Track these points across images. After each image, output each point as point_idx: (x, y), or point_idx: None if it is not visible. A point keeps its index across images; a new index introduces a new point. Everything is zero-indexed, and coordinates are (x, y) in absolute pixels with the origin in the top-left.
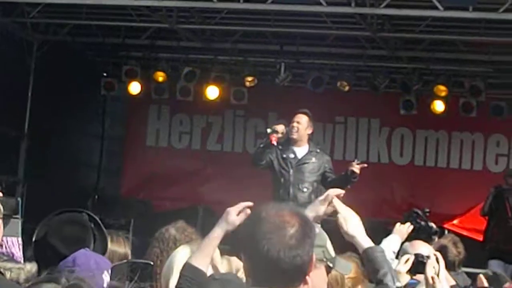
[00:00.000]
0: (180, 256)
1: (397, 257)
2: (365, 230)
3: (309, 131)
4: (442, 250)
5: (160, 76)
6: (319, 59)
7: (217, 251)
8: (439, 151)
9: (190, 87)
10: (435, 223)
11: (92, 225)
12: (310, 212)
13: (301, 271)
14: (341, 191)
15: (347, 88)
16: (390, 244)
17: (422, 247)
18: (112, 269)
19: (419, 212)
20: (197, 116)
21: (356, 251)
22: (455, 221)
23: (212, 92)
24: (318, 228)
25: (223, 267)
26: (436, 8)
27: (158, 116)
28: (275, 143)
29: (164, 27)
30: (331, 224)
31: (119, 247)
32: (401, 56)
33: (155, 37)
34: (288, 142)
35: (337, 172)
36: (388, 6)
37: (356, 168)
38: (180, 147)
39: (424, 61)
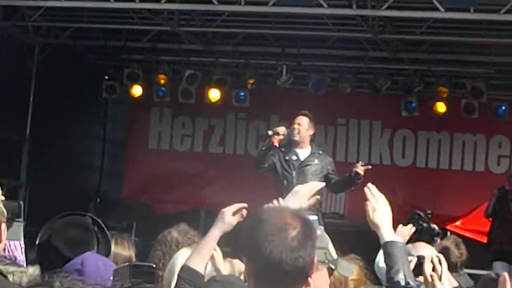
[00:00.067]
0: (182, 258)
1: None
2: (368, 231)
3: (311, 132)
4: (444, 251)
5: (162, 79)
6: (320, 61)
7: (220, 254)
8: (441, 152)
9: (192, 89)
10: (437, 224)
11: (96, 228)
12: (293, 204)
13: (303, 273)
14: (321, 184)
15: (348, 90)
16: None
17: (424, 249)
18: (114, 271)
19: (421, 213)
20: (199, 119)
21: (358, 254)
22: (457, 223)
23: (213, 94)
24: (320, 230)
25: (225, 270)
26: (437, 9)
27: (160, 119)
28: (277, 144)
29: (166, 30)
30: (332, 226)
31: (123, 249)
32: (402, 57)
33: (157, 40)
34: (290, 144)
35: (339, 174)
36: (389, 8)
37: (360, 169)
38: (182, 149)
39: (426, 63)
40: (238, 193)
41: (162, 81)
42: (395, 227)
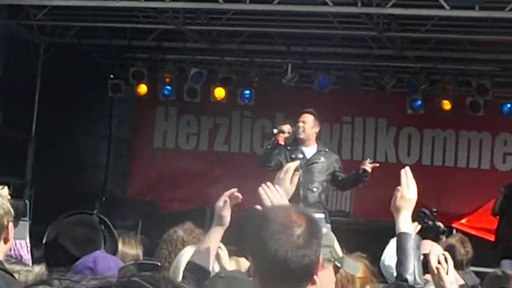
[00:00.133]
0: (186, 256)
1: None
2: (373, 229)
3: (316, 129)
4: (450, 249)
5: (167, 78)
6: (325, 59)
7: (225, 252)
8: (447, 150)
9: (197, 88)
10: (443, 222)
11: (102, 227)
12: (282, 193)
13: (309, 271)
14: (295, 163)
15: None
16: None
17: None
18: (119, 270)
19: (427, 211)
20: (205, 117)
21: (363, 251)
22: (463, 220)
23: (219, 93)
24: (325, 228)
25: (231, 268)
26: (442, 7)
27: (165, 117)
28: (282, 143)
29: (171, 28)
30: (338, 224)
31: (131, 248)
32: (407, 55)
33: (162, 38)
34: (296, 142)
35: (345, 172)
36: (394, 5)
37: (368, 166)
38: (187, 148)
39: (431, 61)
40: (244, 192)
41: (167, 80)
42: None
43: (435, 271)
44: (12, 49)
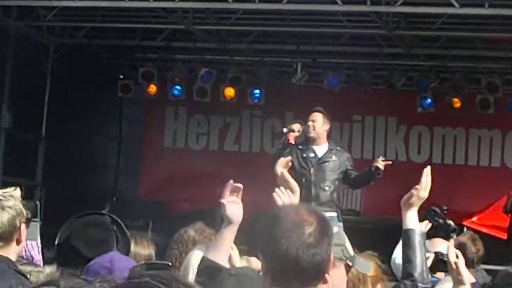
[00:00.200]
0: (196, 256)
1: None
2: (384, 228)
3: (326, 127)
4: (461, 247)
5: (177, 78)
6: (335, 58)
7: (236, 252)
8: (457, 148)
9: (207, 88)
10: (453, 220)
11: (115, 227)
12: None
13: (320, 270)
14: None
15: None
16: None
17: (441, 245)
18: (130, 270)
19: (437, 209)
20: (214, 117)
21: (374, 250)
22: (474, 218)
23: (228, 92)
24: (337, 227)
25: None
26: (452, 5)
27: (175, 117)
28: (292, 142)
29: (180, 28)
30: (349, 223)
31: (143, 248)
32: (417, 53)
33: (171, 38)
34: (307, 141)
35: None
36: (403, 4)
37: (381, 164)
38: (197, 148)
39: (441, 59)
40: (254, 191)
41: (177, 80)
42: None
43: (454, 266)
44: (22, 50)
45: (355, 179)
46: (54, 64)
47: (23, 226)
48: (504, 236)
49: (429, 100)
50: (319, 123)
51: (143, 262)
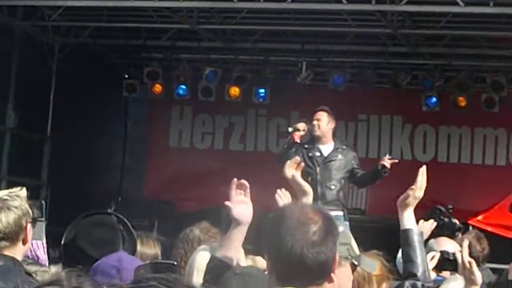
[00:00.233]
0: (200, 255)
1: None
2: (389, 227)
3: (331, 125)
4: None
5: (182, 77)
6: (340, 57)
7: (241, 251)
8: (462, 147)
9: (212, 87)
10: (459, 219)
11: (121, 227)
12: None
13: (325, 268)
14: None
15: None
16: None
17: (447, 244)
18: (135, 270)
19: (442, 208)
20: (219, 116)
21: (379, 249)
22: (479, 217)
23: (234, 92)
24: (342, 226)
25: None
26: (457, 3)
27: (180, 116)
28: (298, 141)
29: (185, 27)
30: (354, 222)
31: (149, 248)
32: (422, 52)
33: (176, 38)
34: (312, 140)
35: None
36: (408, 2)
37: (387, 162)
38: (202, 147)
39: (446, 57)
40: (259, 190)
41: (182, 79)
42: (417, 222)
43: (467, 265)
44: (27, 50)
45: (362, 177)
46: (59, 64)
47: (29, 226)
48: (509, 234)
49: (434, 99)
50: (324, 122)
51: (148, 261)
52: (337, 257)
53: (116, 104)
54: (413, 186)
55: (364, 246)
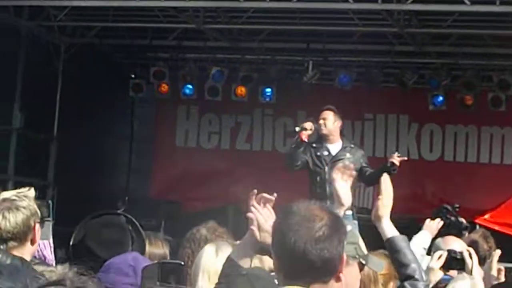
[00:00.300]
0: (206, 254)
1: (428, 253)
2: (396, 226)
3: (338, 124)
4: (473, 245)
5: (188, 77)
6: (346, 56)
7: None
8: (469, 146)
9: (218, 87)
10: (465, 218)
11: (130, 227)
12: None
13: (330, 265)
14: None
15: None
16: (421, 240)
17: (454, 243)
18: (143, 270)
19: (449, 207)
20: (226, 116)
21: (386, 248)
22: (486, 216)
23: (240, 91)
24: (350, 226)
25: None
26: (463, 2)
27: (186, 116)
28: (306, 140)
29: (191, 27)
30: (361, 221)
31: (157, 248)
32: (429, 51)
33: (182, 37)
34: (320, 140)
35: None
36: (414, 1)
37: (396, 160)
38: (209, 147)
39: (452, 56)
40: (266, 190)
41: (188, 79)
42: (424, 221)
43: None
44: (33, 50)
45: (370, 175)
46: (66, 64)
47: (37, 226)
48: None
49: (440, 98)
50: (330, 120)
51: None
52: (345, 257)
53: (122, 104)
54: (379, 196)
55: (372, 245)
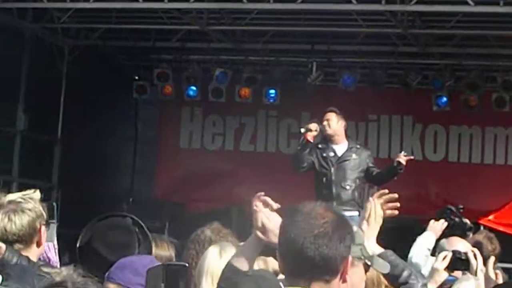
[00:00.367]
0: (210, 256)
1: (433, 254)
2: (400, 227)
3: (342, 123)
4: (477, 246)
5: (192, 78)
6: (350, 58)
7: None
8: (473, 146)
9: (222, 88)
10: (470, 219)
11: (136, 229)
12: None
13: (330, 264)
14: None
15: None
16: (425, 241)
17: (459, 244)
18: (147, 272)
19: (453, 208)
20: (230, 117)
21: (391, 249)
22: (490, 217)
23: (244, 93)
24: (355, 227)
25: (259, 268)
26: (467, 3)
27: (190, 118)
28: (311, 140)
29: (195, 29)
30: None
31: (163, 250)
32: (432, 52)
33: (186, 39)
34: (326, 141)
35: None
36: (418, 2)
37: (402, 159)
38: (213, 148)
39: (456, 57)
40: (270, 191)
41: (192, 80)
42: (427, 222)
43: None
44: (37, 52)
45: (378, 176)
46: (69, 66)
47: (43, 228)
48: None
49: (444, 99)
50: (333, 121)
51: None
52: (350, 258)
53: (126, 106)
54: (365, 221)
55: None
